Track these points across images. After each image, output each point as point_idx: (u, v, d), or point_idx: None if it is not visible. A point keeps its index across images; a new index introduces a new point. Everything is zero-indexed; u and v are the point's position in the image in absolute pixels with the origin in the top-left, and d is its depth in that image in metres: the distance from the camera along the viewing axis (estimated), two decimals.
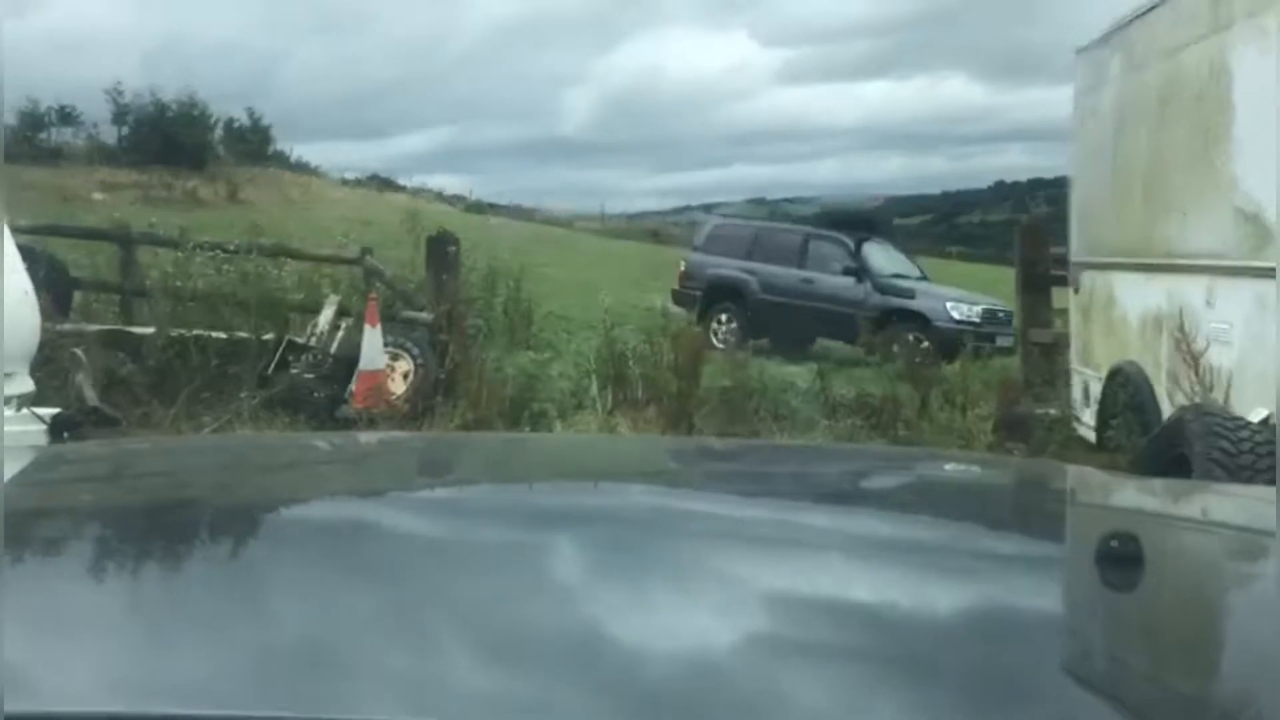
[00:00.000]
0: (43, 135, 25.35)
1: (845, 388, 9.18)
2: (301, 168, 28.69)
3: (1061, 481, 1.83)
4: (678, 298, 15.59)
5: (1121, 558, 1.03)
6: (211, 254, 8.84)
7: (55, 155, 24.26)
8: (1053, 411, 8.02)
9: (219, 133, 26.91)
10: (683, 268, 16.28)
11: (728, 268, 15.64)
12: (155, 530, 1.23)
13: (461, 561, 1.11)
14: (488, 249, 15.74)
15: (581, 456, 2.05)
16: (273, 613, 0.95)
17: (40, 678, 0.77)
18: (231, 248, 8.99)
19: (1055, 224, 9.59)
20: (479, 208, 30.62)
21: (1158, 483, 2.39)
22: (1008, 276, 11.51)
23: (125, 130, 25.89)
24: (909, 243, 20.50)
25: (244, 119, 28.30)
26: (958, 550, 1.26)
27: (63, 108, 26.13)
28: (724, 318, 15.25)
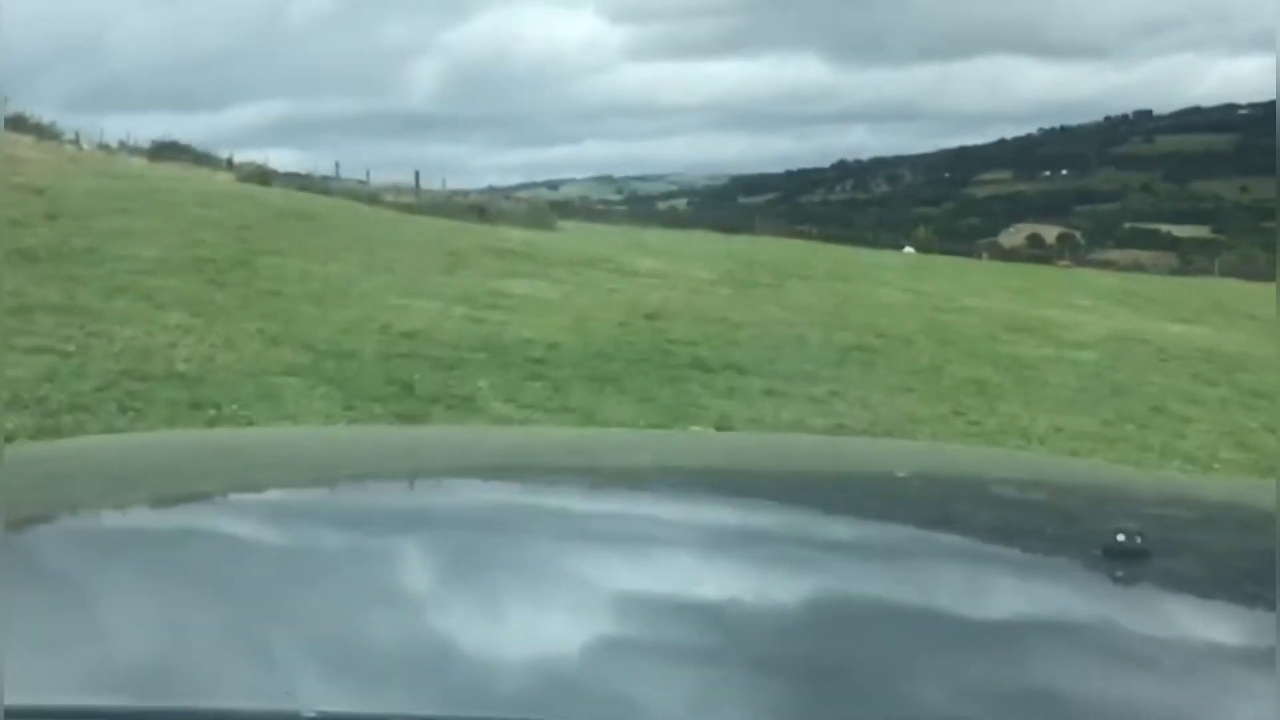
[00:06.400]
0: None
1: None
2: (19, 124, 24.17)
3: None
4: None
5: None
6: None
7: None
8: None
9: None
10: None
11: None
12: None
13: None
14: (189, 228, 12.67)
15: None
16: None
17: None
18: None
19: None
20: (262, 177, 26.92)
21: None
22: (888, 261, 9.00)
23: None
24: (758, 222, 18.12)
25: None
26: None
27: None
28: None
